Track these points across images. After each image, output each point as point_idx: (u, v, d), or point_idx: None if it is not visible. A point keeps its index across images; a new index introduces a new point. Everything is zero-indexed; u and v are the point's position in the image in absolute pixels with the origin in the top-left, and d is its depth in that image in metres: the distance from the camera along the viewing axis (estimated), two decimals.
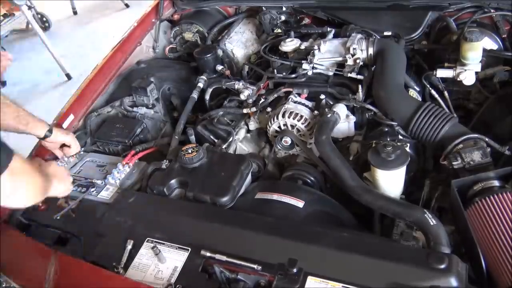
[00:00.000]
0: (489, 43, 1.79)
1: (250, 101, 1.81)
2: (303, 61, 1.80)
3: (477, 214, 1.23)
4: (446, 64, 1.70)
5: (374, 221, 1.45)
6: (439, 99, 1.73)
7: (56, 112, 1.89)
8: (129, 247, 1.28)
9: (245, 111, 1.80)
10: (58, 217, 1.48)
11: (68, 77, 4.59)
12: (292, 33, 2.01)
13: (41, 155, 1.72)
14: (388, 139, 1.52)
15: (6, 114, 1.48)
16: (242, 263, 1.18)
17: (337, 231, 1.29)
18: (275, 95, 1.78)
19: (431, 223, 1.20)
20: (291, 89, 1.77)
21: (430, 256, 1.09)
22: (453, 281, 1.04)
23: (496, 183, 1.28)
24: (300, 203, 1.41)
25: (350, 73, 1.72)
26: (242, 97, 1.81)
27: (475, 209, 1.24)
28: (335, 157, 1.47)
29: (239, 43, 2.22)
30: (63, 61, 4.59)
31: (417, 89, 1.79)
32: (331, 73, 1.80)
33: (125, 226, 1.36)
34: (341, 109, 1.62)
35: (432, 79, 1.75)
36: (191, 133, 1.77)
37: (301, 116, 1.66)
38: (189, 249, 1.25)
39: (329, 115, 1.59)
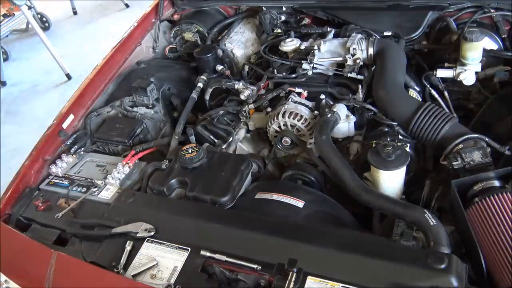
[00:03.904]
0: (489, 43, 1.79)
1: (250, 101, 1.81)
2: (303, 61, 1.80)
3: (477, 214, 1.23)
4: (446, 64, 1.71)
5: (374, 221, 1.45)
6: (439, 99, 1.73)
7: (56, 112, 1.89)
8: (128, 248, 1.28)
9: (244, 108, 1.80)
10: (59, 216, 1.48)
11: (68, 77, 4.60)
12: (292, 33, 2.01)
13: (41, 154, 1.73)
14: (388, 139, 1.52)
15: None
16: (242, 263, 1.18)
17: (337, 231, 1.29)
18: (275, 94, 1.78)
19: (431, 223, 1.20)
20: (293, 89, 1.77)
21: (430, 256, 1.09)
22: (453, 281, 1.04)
23: (496, 183, 1.28)
24: (300, 203, 1.41)
25: (350, 73, 1.72)
26: (242, 97, 1.81)
27: (475, 209, 1.24)
28: (335, 157, 1.47)
29: (239, 43, 2.22)
30: (63, 61, 4.60)
31: (417, 89, 1.79)
32: (331, 73, 1.80)
33: None
34: (341, 109, 1.63)
35: (432, 79, 1.75)
36: (191, 133, 1.77)
37: (301, 116, 1.66)
38: (189, 249, 1.25)
39: (329, 115, 1.59)
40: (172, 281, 1.19)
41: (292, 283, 1.10)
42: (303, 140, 1.69)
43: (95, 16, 5.76)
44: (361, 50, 1.74)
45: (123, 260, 1.26)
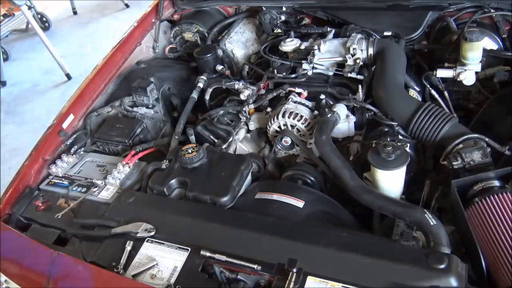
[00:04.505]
0: (489, 43, 1.79)
1: (250, 101, 1.81)
2: (303, 61, 1.80)
3: (477, 214, 1.23)
4: (446, 64, 1.70)
5: (374, 221, 1.45)
6: (439, 99, 1.73)
7: (56, 112, 1.89)
8: (128, 248, 1.28)
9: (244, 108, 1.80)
10: (59, 216, 1.48)
11: (68, 77, 4.60)
12: (292, 33, 2.01)
13: (41, 154, 1.73)
14: (388, 139, 1.52)
15: None
16: (242, 263, 1.18)
17: (337, 231, 1.29)
18: (275, 94, 1.78)
19: (431, 223, 1.20)
20: (293, 89, 1.77)
21: (429, 256, 1.09)
22: (453, 281, 1.04)
23: (496, 183, 1.28)
24: (300, 203, 1.41)
25: (350, 73, 1.72)
26: (242, 97, 1.81)
27: (475, 209, 1.24)
28: (335, 157, 1.47)
29: (239, 43, 2.22)
30: (63, 61, 4.60)
31: (417, 89, 1.79)
32: (331, 73, 1.80)
33: None
34: (341, 109, 1.62)
35: (432, 79, 1.75)
36: (191, 133, 1.77)
37: (301, 116, 1.66)
38: (189, 249, 1.25)
39: (329, 115, 1.59)
40: (172, 281, 1.19)
41: (292, 283, 1.10)
42: (303, 140, 1.69)
43: (95, 16, 5.76)
44: (361, 50, 1.74)
45: (123, 260, 1.26)
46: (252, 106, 1.80)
